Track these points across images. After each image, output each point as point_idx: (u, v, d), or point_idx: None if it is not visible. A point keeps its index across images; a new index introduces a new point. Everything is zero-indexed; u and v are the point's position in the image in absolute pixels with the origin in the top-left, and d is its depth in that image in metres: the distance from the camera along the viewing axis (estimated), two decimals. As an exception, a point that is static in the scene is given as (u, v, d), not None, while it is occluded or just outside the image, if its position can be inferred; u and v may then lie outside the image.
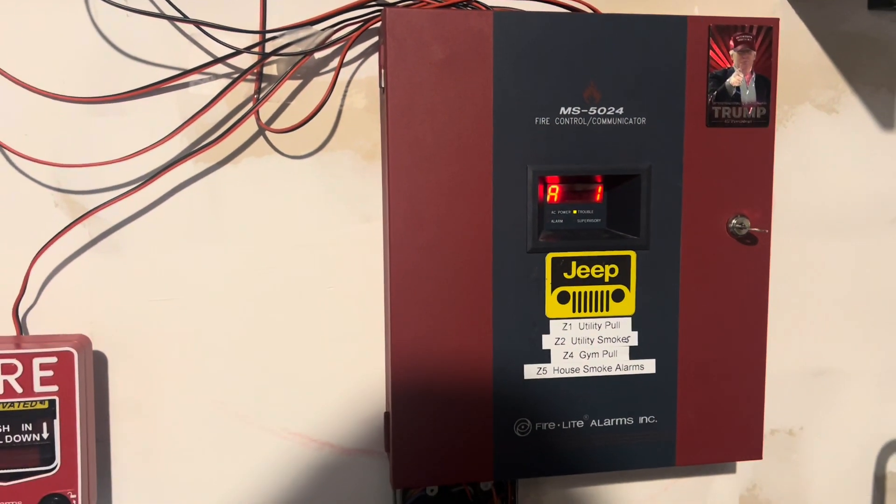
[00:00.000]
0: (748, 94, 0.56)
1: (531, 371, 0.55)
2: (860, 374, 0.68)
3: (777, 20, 0.56)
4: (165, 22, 0.54)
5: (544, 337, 0.55)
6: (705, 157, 0.55)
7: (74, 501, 0.51)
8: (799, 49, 0.63)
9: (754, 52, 0.55)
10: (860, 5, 0.64)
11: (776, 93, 0.56)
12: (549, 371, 0.55)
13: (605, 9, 0.57)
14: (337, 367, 0.58)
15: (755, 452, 0.59)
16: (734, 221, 0.56)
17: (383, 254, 0.57)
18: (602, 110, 0.54)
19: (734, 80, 0.55)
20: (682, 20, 0.54)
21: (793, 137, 0.64)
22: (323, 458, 0.59)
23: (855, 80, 0.65)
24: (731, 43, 0.55)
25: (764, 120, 0.56)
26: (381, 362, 0.59)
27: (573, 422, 0.56)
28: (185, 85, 0.55)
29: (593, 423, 0.56)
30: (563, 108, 0.53)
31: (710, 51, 0.55)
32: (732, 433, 0.58)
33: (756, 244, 0.57)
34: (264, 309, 0.57)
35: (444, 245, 0.53)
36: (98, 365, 0.55)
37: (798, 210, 0.64)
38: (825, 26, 0.63)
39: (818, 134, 0.64)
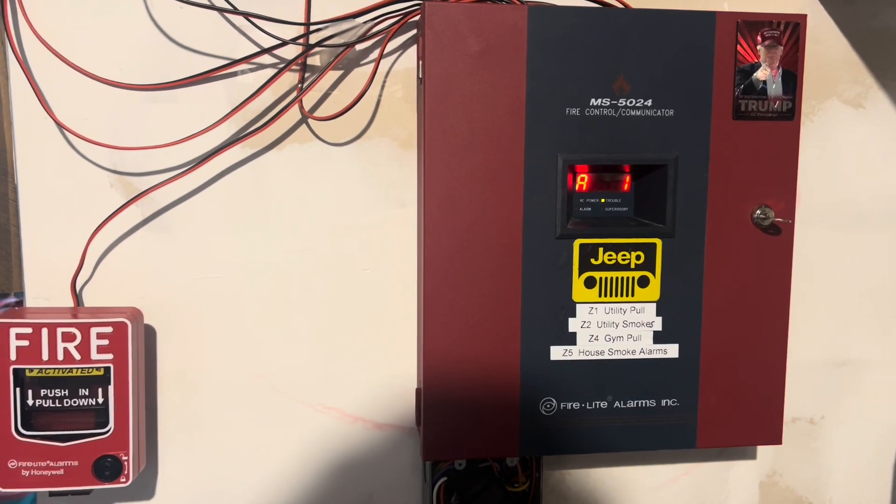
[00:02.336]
0: (774, 89, 0.57)
1: (557, 352, 0.57)
2: (881, 365, 0.69)
3: (805, 16, 0.57)
4: (216, 13, 0.57)
5: (571, 320, 0.57)
6: (731, 148, 0.57)
7: (126, 463, 0.54)
8: (827, 45, 0.65)
9: (781, 48, 0.57)
10: (889, 2, 0.65)
11: (802, 87, 0.58)
12: (574, 353, 0.57)
13: (635, 4, 0.59)
14: (371, 346, 0.61)
15: (775, 437, 0.61)
16: (758, 212, 0.57)
17: (417, 237, 0.60)
18: (631, 102, 0.55)
19: (761, 74, 0.57)
20: (710, 16, 0.56)
21: (820, 132, 0.65)
22: (355, 431, 0.62)
23: (882, 76, 0.66)
24: (759, 38, 0.56)
25: (790, 113, 0.58)
26: (412, 341, 0.61)
27: (597, 402, 0.58)
28: (234, 74, 0.58)
29: (617, 404, 0.58)
30: (593, 100, 0.55)
31: (738, 45, 0.56)
32: (753, 418, 0.60)
33: (779, 234, 0.58)
34: (303, 288, 0.60)
35: (476, 229, 0.55)
36: (147, 337, 0.59)
37: (823, 203, 0.66)
38: (853, 22, 0.65)
39: (845, 129, 0.65)
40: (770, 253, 0.58)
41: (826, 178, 0.65)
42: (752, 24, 0.56)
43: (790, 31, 0.57)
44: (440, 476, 0.61)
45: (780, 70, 0.57)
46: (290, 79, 0.58)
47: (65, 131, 0.56)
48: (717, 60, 0.56)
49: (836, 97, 0.65)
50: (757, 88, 0.57)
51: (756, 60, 0.57)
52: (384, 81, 0.60)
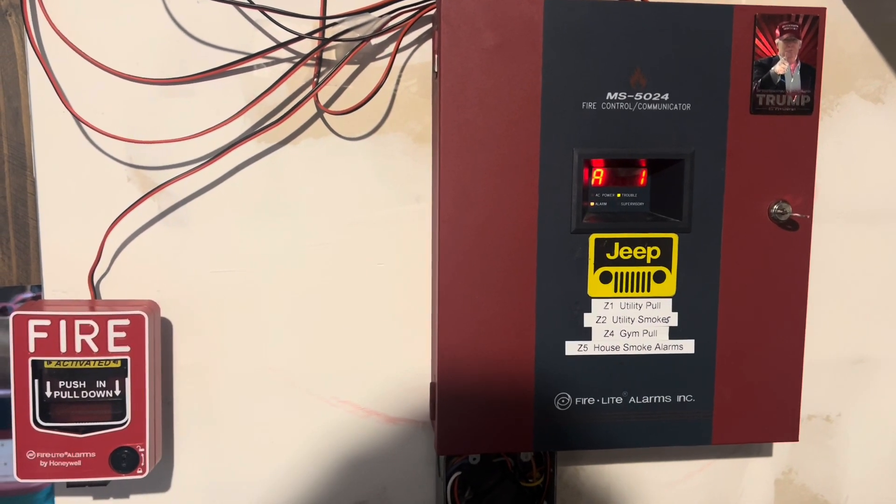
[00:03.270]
0: (793, 83, 0.57)
1: (572, 347, 0.57)
2: (900, 363, 0.68)
3: (824, 10, 0.56)
4: (232, 8, 0.57)
5: (586, 315, 0.57)
6: (748, 143, 0.57)
7: (142, 455, 0.54)
8: (846, 39, 0.64)
9: (800, 41, 0.56)
10: (909, -4, 0.64)
11: (821, 81, 0.57)
12: (589, 348, 0.57)
13: (652, -2, 0.59)
14: (385, 340, 0.61)
15: (791, 434, 0.60)
16: (776, 207, 0.57)
17: (432, 232, 0.60)
18: (648, 96, 0.55)
19: (779, 68, 0.56)
20: (728, 9, 0.55)
21: (838, 126, 0.65)
22: (369, 425, 0.62)
23: (902, 71, 0.65)
24: (777, 32, 0.56)
25: (808, 108, 0.57)
26: (426, 336, 0.61)
27: (612, 398, 0.58)
28: (250, 69, 0.58)
29: (632, 399, 0.58)
30: (609, 94, 0.55)
31: (756, 39, 0.56)
32: (769, 415, 0.60)
33: (797, 230, 0.58)
34: (319, 282, 0.60)
35: (491, 224, 0.55)
36: (164, 330, 0.59)
37: (841, 198, 0.65)
38: (873, 16, 0.64)
39: (863, 123, 0.65)
40: (787, 248, 0.58)
41: (844, 172, 0.65)
42: (770, 18, 0.56)
43: (809, 25, 0.56)
44: (454, 470, 0.61)
45: (799, 64, 0.57)
46: (305, 73, 0.58)
47: (83, 125, 0.57)
48: (734, 54, 0.56)
49: (855, 91, 0.65)
50: (775, 82, 0.56)
51: (774, 54, 0.56)
52: (399, 76, 0.60)
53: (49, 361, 0.53)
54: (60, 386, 0.53)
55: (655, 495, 0.66)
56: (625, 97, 0.55)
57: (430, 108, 0.60)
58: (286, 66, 0.58)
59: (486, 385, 0.56)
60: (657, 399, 0.58)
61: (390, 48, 0.59)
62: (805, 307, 0.59)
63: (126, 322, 0.53)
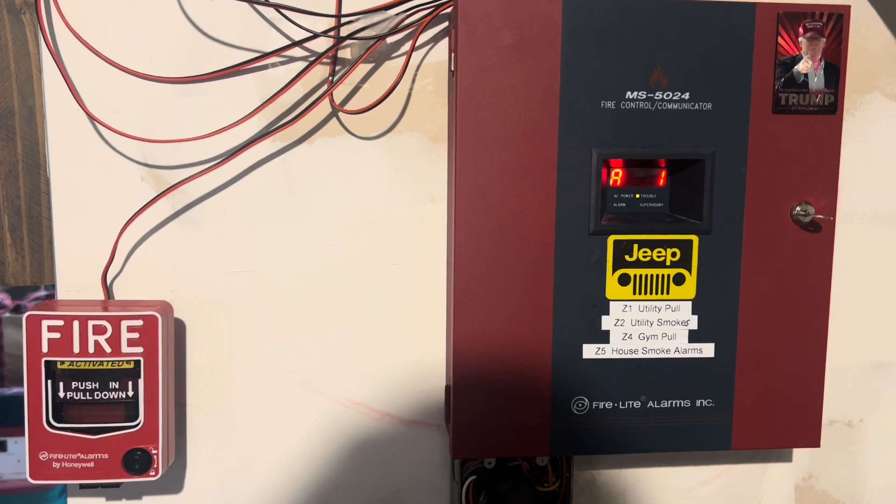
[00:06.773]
0: (816, 82, 0.56)
1: (590, 351, 0.56)
2: (924, 368, 0.67)
3: (848, 7, 0.55)
4: (247, 6, 0.56)
5: (604, 318, 0.56)
6: (771, 143, 0.56)
7: (156, 457, 0.54)
8: (870, 37, 0.63)
9: (824, 40, 0.55)
10: (935, -7, 0.63)
11: (845, 80, 0.56)
12: (607, 351, 0.56)
13: (672, -5, 0.58)
14: (399, 342, 0.61)
15: (813, 440, 0.59)
16: (798, 208, 0.56)
17: (447, 233, 0.59)
18: (668, 95, 0.54)
19: (802, 67, 0.55)
20: (750, 7, 0.54)
21: (861, 126, 0.63)
22: (383, 427, 0.62)
23: (928, 70, 0.64)
24: (801, 30, 0.55)
25: (832, 107, 0.56)
26: (441, 338, 0.61)
27: (630, 402, 0.57)
28: (264, 67, 0.57)
29: (650, 404, 0.57)
30: (629, 93, 0.54)
31: (779, 37, 0.55)
32: (790, 420, 0.58)
33: (820, 232, 0.57)
34: (332, 283, 0.60)
35: (507, 225, 0.54)
36: (177, 331, 0.59)
37: (864, 200, 0.64)
38: (898, 14, 0.63)
39: (887, 123, 0.64)
40: (810, 251, 0.57)
41: (868, 173, 0.64)
42: (793, 16, 0.55)
43: (833, 23, 0.55)
44: (469, 474, 0.60)
45: (823, 63, 0.55)
46: (320, 72, 0.58)
47: (97, 124, 0.56)
48: (756, 53, 0.55)
49: (879, 91, 0.63)
50: (798, 82, 0.55)
51: (797, 53, 0.55)
52: (415, 75, 0.59)
53: (62, 362, 0.53)
54: (73, 387, 0.53)
55: (673, 501, 0.65)
56: (644, 96, 0.54)
57: (445, 107, 0.59)
58: (301, 65, 0.57)
59: (502, 388, 0.56)
60: (676, 403, 0.57)
61: (406, 47, 0.58)
62: (827, 311, 0.58)
63: (139, 323, 0.53)
